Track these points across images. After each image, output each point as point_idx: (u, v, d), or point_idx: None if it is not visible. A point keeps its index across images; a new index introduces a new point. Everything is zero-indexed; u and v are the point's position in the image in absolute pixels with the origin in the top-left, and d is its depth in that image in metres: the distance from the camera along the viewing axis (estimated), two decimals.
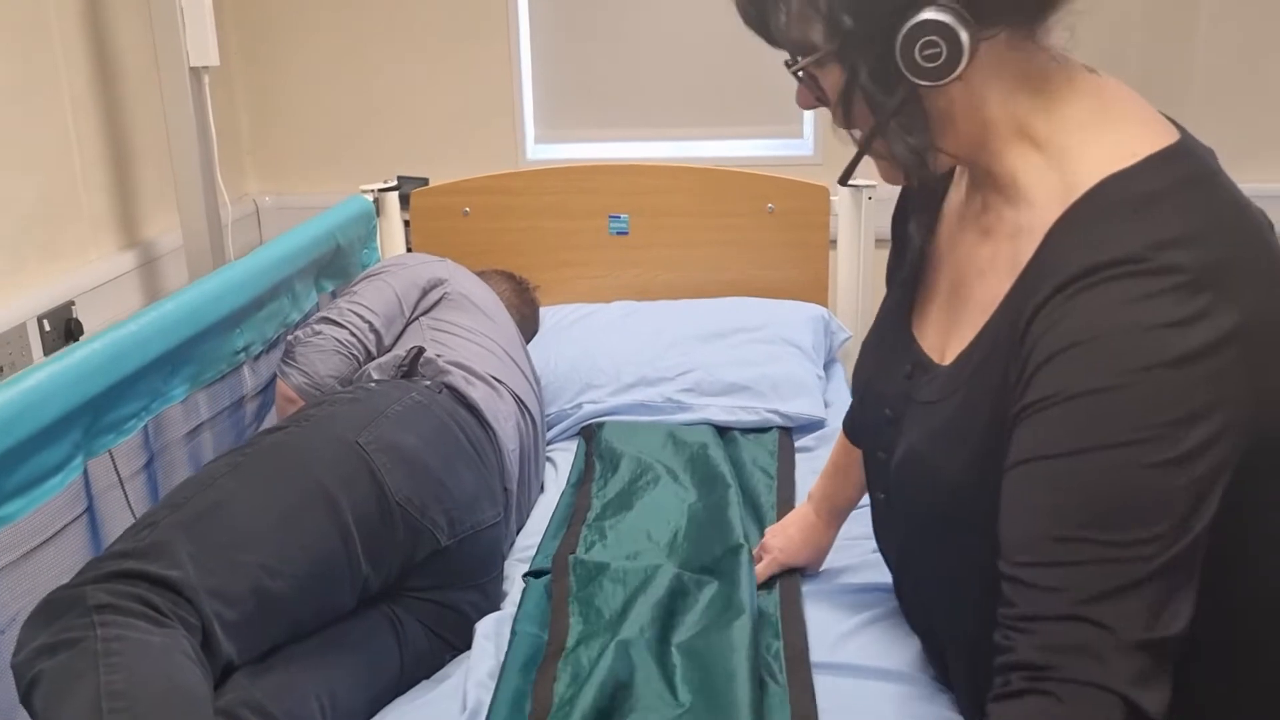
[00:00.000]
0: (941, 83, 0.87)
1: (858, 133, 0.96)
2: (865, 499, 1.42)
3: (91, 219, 2.24)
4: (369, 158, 2.89)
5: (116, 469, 1.44)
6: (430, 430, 1.45)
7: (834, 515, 1.47)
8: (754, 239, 2.50)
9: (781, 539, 1.49)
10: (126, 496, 1.45)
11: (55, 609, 1.07)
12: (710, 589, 1.41)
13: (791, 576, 1.47)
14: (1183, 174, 0.86)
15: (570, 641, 1.32)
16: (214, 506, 1.22)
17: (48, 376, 1.29)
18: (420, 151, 2.88)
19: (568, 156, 2.86)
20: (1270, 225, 0.87)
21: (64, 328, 2.10)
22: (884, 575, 1.35)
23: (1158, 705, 0.77)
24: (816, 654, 1.30)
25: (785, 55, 0.97)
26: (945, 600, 1.08)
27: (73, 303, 2.13)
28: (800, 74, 0.96)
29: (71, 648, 1.01)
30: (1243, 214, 0.85)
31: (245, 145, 2.97)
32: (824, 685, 1.24)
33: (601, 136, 2.87)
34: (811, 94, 0.97)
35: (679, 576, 1.42)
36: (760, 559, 1.49)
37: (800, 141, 2.85)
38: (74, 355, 1.35)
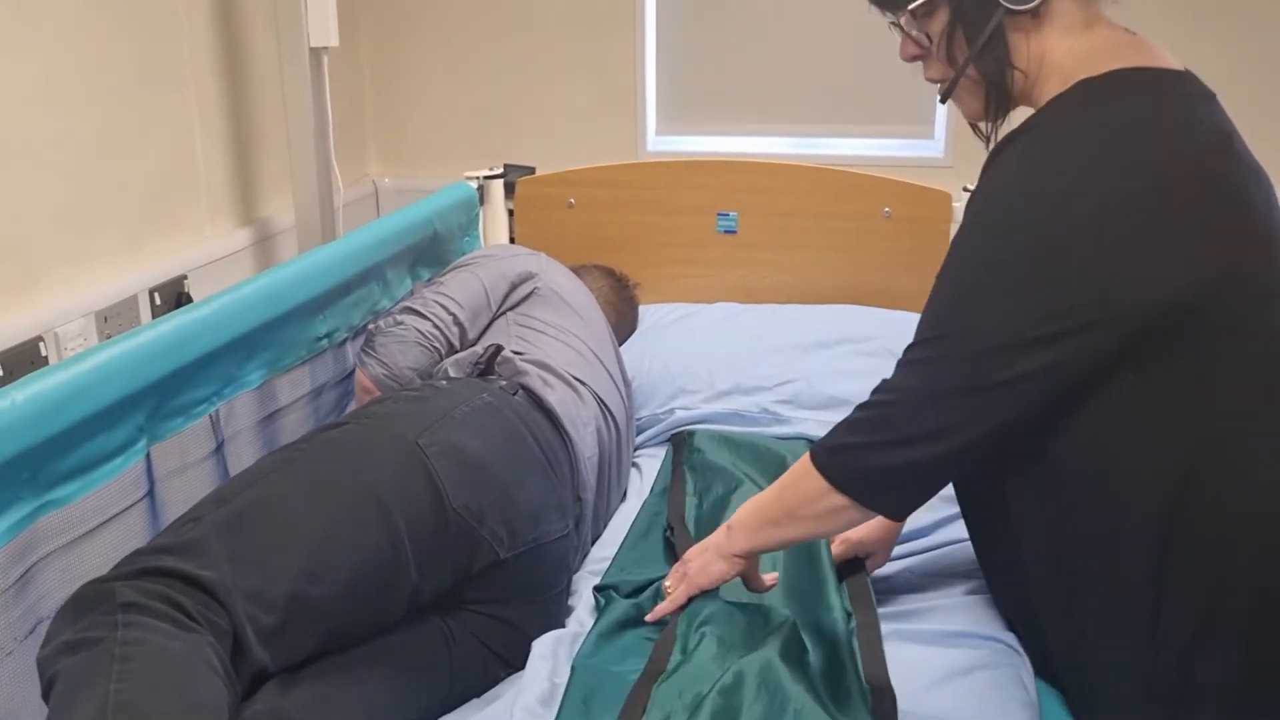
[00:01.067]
0: (1025, 7, 1.09)
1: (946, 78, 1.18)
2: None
3: (209, 196, 2.25)
4: (490, 143, 2.87)
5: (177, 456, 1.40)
6: (498, 434, 1.37)
7: None
8: (868, 244, 2.37)
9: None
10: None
11: (84, 604, 1.03)
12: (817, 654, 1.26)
13: (860, 580, 1.37)
14: (1145, 79, 1.07)
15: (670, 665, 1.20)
16: (258, 505, 1.16)
17: (108, 358, 1.26)
18: (540, 140, 2.84)
19: (688, 149, 2.78)
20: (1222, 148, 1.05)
21: (175, 301, 2.10)
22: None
23: None
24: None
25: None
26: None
27: (185, 277, 2.14)
28: (907, 23, 1.16)
29: (92, 647, 0.97)
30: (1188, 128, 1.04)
31: (368, 127, 2.98)
32: None
33: (724, 130, 2.79)
34: (914, 45, 1.18)
35: (794, 626, 1.27)
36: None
37: (930, 142, 2.71)
38: (138, 337, 1.31)
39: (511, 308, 1.83)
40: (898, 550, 1.51)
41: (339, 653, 1.18)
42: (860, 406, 1.14)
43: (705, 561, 1.32)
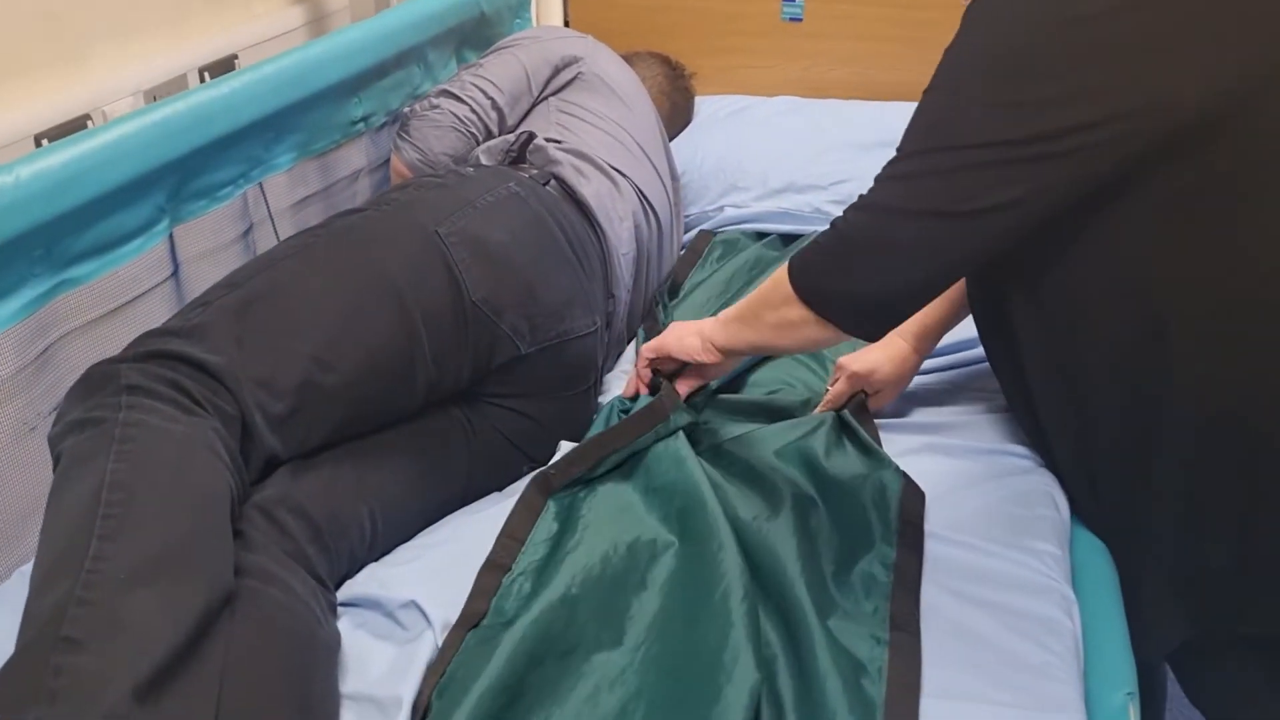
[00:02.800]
0: None
1: None
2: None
3: None
4: None
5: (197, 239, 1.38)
6: (522, 226, 1.32)
7: (923, 337, 1.34)
8: (942, 37, 2.18)
9: (860, 359, 1.33)
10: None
11: (91, 384, 1.02)
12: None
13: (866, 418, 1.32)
14: None
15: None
16: (271, 290, 1.14)
17: (118, 135, 1.22)
18: None
19: None
20: None
21: None
22: None
23: None
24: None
25: None
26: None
27: (236, 56, 2.07)
28: None
29: (95, 426, 0.97)
30: None
31: None
32: None
33: None
34: None
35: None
36: (835, 380, 1.36)
37: None
38: (153, 114, 1.27)
39: (554, 93, 1.74)
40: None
41: (354, 441, 1.18)
42: (836, 221, 1.06)
43: (681, 332, 1.29)
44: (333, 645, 0.98)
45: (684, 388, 1.33)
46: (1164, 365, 0.99)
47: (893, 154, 2.03)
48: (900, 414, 1.38)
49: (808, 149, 1.99)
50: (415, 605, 1.01)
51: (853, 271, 1.03)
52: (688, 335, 1.28)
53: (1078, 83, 0.90)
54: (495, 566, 1.07)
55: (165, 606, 0.83)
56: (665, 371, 1.33)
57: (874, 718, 0.88)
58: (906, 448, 1.27)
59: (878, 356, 1.33)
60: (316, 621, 0.97)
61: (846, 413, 1.30)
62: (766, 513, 1.13)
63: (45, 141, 1.47)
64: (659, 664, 0.94)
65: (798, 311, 1.08)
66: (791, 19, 2.28)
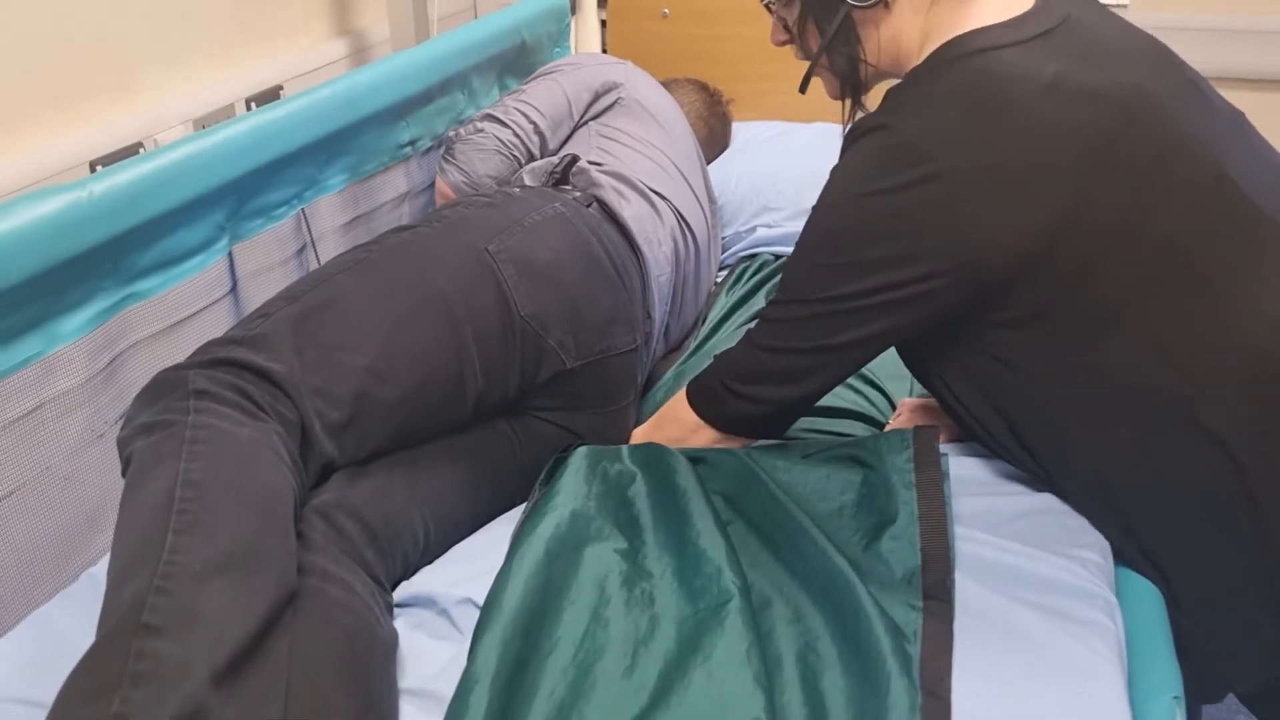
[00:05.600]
0: (867, 5, 1.11)
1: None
2: None
3: (304, 3, 2.23)
4: None
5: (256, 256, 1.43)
6: (567, 245, 1.36)
7: None
8: None
9: (923, 400, 1.37)
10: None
11: (160, 389, 1.07)
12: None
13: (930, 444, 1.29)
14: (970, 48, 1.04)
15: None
16: (327, 303, 1.18)
17: (183, 155, 1.27)
18: None
19: None
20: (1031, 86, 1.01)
21: None
22: None
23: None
24: None
25: None
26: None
27: (281, 87, 2.14)
28: (775, 8, 1.22)
29: (166, 429, 1.01)
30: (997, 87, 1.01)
31: None
32: None
33: None
34: (782, 30, 1.23)
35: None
36: (898, 416, 1.38)
37: None
38: (212, 136, 1.32)
39: (594, 117, 1.79)
40: None
41: (407, 449, 1.21)
42: (730, 350, 1.23)
43: None
44: (391, 643, 1.01)
45: None
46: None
47: None
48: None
49: None
50: (470, 602, 1.04)
51: (750, 396, 1.20)
52: None
53: (899, 247, 1.05)
54: None
55: (237, 598, 0.87)
56: None
57: (910, 672, 0.91)
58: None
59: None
60: (375, 619, 1.00)
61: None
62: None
63: (100, 167, 1.54)
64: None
65: (710, 431, 1.25)
66: None
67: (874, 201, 1.05)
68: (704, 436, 1.25)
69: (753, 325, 1.20)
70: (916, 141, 1.02)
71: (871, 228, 1.06)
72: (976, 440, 1.25)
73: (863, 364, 1.15)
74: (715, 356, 1.25)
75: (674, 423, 1.29)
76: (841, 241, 1.08)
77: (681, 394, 1.27)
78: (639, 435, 1.36)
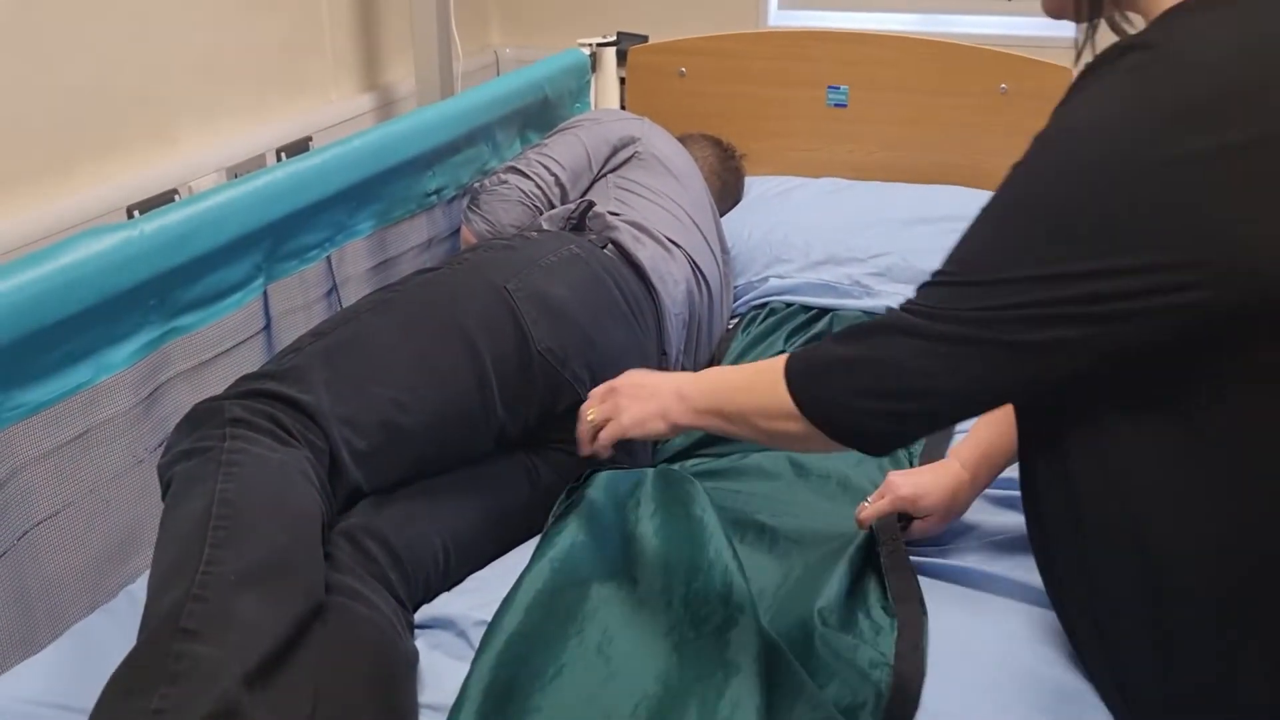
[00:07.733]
0: None
1: None
2: None
3: (334, 59, 2.32)
4: (612, 12, 2.85)
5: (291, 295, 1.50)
6: (581, 283, 1.44)
7: (983, 465, 1.21)
8: (982, 122, 2.32)
9: (910, 481, 1.22)
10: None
11: (197, 419, 1.14)
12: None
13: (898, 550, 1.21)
14: None
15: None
16: (353, 338, 1.26)
17: (227, 199, 1.36)
18: (665, 10, 2.80)
19: (809, 24, 2.73)
20: None
21: None
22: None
23: None
24: None
25: None
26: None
27: (310, 138, 2.24)
28: None
29: (203, 455, 1.08)
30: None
31: None
32: None
33: (848, 5, 2.71)
34: None
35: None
36: (880, 496, 1.24)
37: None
38: (254, 181, 1.41)
39: (612, 170, 1.87)
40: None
41: (429, 478, 1.28)
42: (853, 334, 0.93)
43: (642, 414, 1.11)
44: (412, 659, 1.07)
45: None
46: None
47: (931, 230, 2.12)
48: (939, 541, 1.27)
49: (849, 224, 2.10)
50: (487, 625, 1.10)
51: (856, 394, 0.91)
52: (651, 419, 1.11)
53: (1159, 234, 0.78)
54: None
55: (269, 606, 0.93)
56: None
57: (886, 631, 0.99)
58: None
59: (928, 481, 1.21)
60: (398, 635, 1.06)
61: (876, 530, 1.23)
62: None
63: (137, 213, 1.62)
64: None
65: (800, 424, 0.95)
66: (836, 105, 2.41)
67: (1151, 164, 0.78)
68: (790, 427, 0.96)
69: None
70: (1215, 94, 0.77)
71: (1140, 203, 0.78)
72: (1036, 561, 1.01)
73: (1035, 384, 0.86)
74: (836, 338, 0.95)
75: (759, 395, 0.99)
76: (1086, 211, 0.81)
77: (779, 364, 0.97)
78: (715, 382, 1.07)
